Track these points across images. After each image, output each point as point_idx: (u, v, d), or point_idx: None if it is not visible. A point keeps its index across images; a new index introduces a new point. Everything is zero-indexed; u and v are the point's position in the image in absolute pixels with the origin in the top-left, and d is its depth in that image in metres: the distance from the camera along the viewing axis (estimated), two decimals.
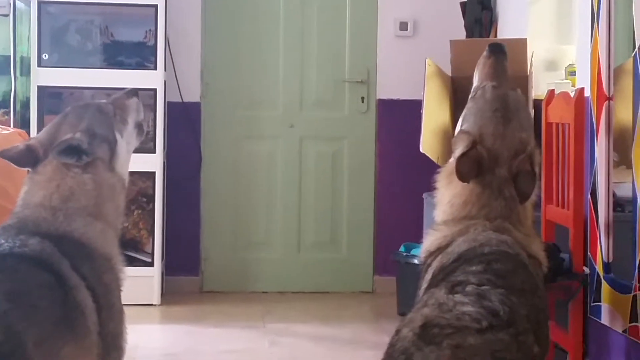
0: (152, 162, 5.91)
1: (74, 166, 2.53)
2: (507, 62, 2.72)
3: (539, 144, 4.62)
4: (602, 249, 4.16)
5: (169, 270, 6.33)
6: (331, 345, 5.20)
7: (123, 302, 2.56)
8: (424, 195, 5.62)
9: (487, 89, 2.62)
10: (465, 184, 2.46)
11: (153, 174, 5.93)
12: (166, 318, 5.78)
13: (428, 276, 2.37)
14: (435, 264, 2.37)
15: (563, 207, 4.07)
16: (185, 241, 6.43)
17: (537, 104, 4.95)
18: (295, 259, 6.56)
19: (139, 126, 2.80)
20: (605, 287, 4.13)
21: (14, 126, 5.77)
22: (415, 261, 5.66)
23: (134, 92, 2.84)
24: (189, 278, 6.43)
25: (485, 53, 2.76)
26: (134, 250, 5.98)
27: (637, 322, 3.83)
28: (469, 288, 2.03)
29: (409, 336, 1.90)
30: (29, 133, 5.77)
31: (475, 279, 2.08)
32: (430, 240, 2.49)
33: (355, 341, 5.30)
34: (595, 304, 4.20)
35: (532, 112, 5.17)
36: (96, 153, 2.57)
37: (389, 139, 6.54)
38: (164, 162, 6.07)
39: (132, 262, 5.81)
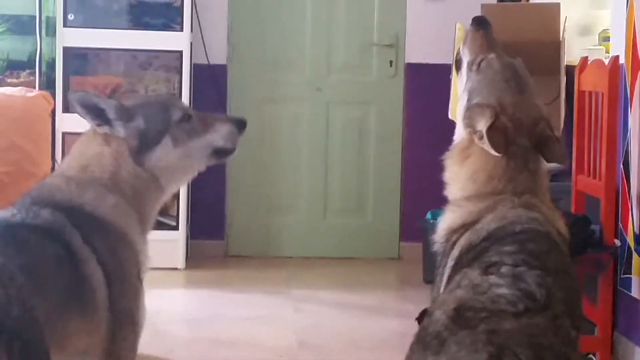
0: None
1: (100, 137, 2.46)
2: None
3: (571, 112, 4.54)
4: (634, 221, 4.07)
5: (193, 234, 6.30)
6: (356, 312, 5.15)
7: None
8: None
9: (491, 60, 2.53)
10: (487, 158, 2.38)
11: None
12: (190, 282, 5.75)
13: (455, 253, 2.28)
14: (462, 241, 2.28)
15: (594, 177, 3.98)
16: (210, 205, 6.38)
17: (570, 70, 4.85)
18: (320, 224, 6.51)
19: (215, 152, 2.58)
20: (636, 259, 4.04)
21: (40, 87, 5.73)
22: None
23: (238, 123, 2.63)
24: (214, 242, 6.40)
25: (471, 27, 2.68)
26: (159, 214, 5.91)
27: None
28: (503, 269, 1.95)
29: (442, 319, 1.83)
30: (54, 94, 5.73)
31: (510, 259, 1.99)
32: (452, 217, 2.40)
33: (380, 309, 5.25)
34: (625, 276, 4.12)
35: (564, 78, 5.07)
36: (122, 133, 2.45)
37: (417, 104, 6.44)
38: None
39: (157, 225, 5.75)
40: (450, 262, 2.30)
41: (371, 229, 6.51)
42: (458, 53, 2.71)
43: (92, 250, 2.31)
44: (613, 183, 3.88)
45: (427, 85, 6.32)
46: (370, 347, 4.53)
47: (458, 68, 2.69)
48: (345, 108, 6.49)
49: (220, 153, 2.60)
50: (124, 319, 2.36)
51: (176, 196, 5.89)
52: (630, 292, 4.09)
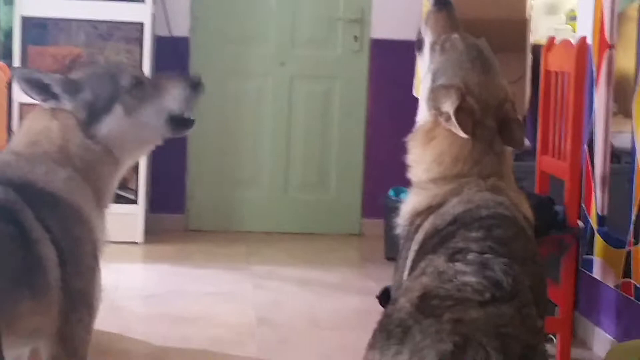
0: None
1: (48, 112, 2.38)
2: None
3: (536, 91, 4.51)
4: (597, 202, 4.07)
5: (153, 208, 6.22)
6: (317, 289, 5.12)
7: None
8: None
9: (455, 40, 2.48)
10: (453, 140, 2.34)
11: None
12: (149, 257, 5.68)
13: (419, 236, 2.24)
14: (427, 225, 2.24)
15: (559, 158, 3.95)
16: (171, 179, 6.31)
17: (536, 49, 4.82)
18: (282, 199, 6.46)
19: (172, 119, 2.45)
20: (598, 240, 4.04)
21: None
22: None
23: (193, 83, 2.48)
24: (174, 216, 6.33)
25: (433, 7, 2.63)
26: (117, 187, 5.83)
27: (630, 277, 3.74)
28: (470, 256, 1.90)
29: (406, 307, 1.78)
30: (10, 65, 5.62)
31: (477, 246, 1.95)
32: (417, 199, 2.35)
33: (342, 286, 5.21)
34: (587, 257, 4.11)
35: (529, 57, 5.04)
36: (68, 106, 2.36)
37: (382, 80, 6.39)
38: None
39: (116, 199, 5.67)
40: (414, 246, 2.26)
41: (333, 205, 6.47)
42: (419, 33, 2.65)
43: (46, 229, 2.24)
44: (578, 164, 3.86)
45: (392, 61, 6.26)
46: (331, 325, 4.50)
47: (420, 48, 2.64)
48: (309, 83, 6.43)
49: (178, 122, 2.47)
50: (79, 300, 2.29)
51: (135, 169, 5.81)
52: (592, 273, 4.08)
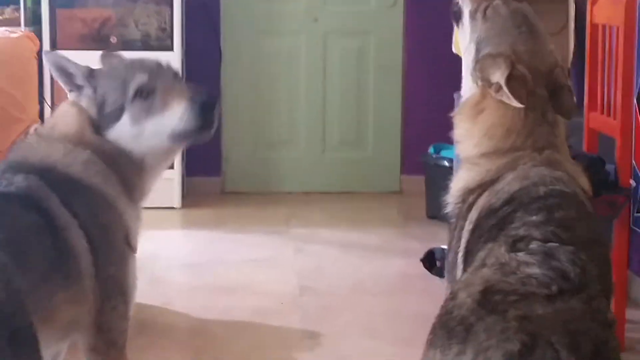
0: (170, 61, 5.63)
1: (72, 101, 2.31)
2: None
3: (580, 44, 4.34)
4: None
5: (189, 171, 6.13)
6: (358, 252, 5.02)
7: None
8: (455, 95, 5.34)
9: (497, 6, 2.34)
10: (504, 111, 2.21)
11: None
12: (187, 222, 5.61)
13: (473, 215, 2.12)
14: (481, 203, 2.12)
15: (609, 115, 3.79)
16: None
17: (579, 1, 4.64)
18: (319, 159, 6.34)
19: (177, 135, 2.27)
20: None
21: (25, 23, 5.50)
22: (445, 163, 5.45)
23: (202, 102, 2.24)
24: (210, 179, 6.24)
25: None
26: None
27: None
28: (533, 245, 1.78)
29: (467, 303, 1.66)
30: (40, 31, 5.52)
31: (539, 232, 1.82)
32: (469, 176, 2.22)
33: (384, 248, 5.11)
34: (638, 214, 3.97)
35: (572, 7, 4.85)
36: (84, 102, 2.28)
37: (418, 35, 6.22)
38: (182, 60, 5.81)
39: None
40: (468, 225, 2.14)
41: (371, 163, 6.35)
42: (456, 3, 2.51)
43: (73, 215, 2.15)
44: (629, 121, 3.70)
45: (428, 15, 6.08)
46: (375, 291, 4.40)
47: (457, 19, 2.49)
48: (343, 39, 6.28)
49: (186, 136, 2.29)
50: (112, 288, 2.21)
51: None
52: None
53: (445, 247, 4.63)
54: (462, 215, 2.19)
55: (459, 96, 5.36)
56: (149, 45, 5.72)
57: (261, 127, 6.28)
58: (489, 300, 1.64)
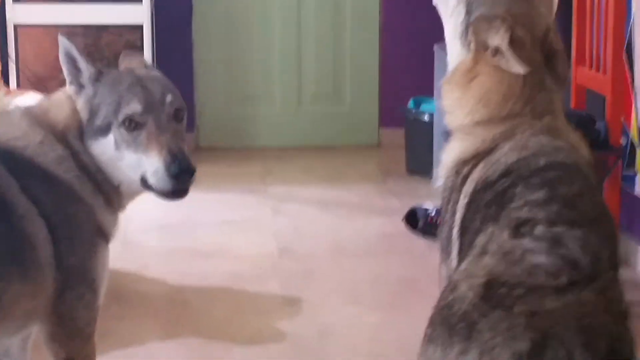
0: (139, 13, 5.44)
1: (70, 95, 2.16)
2: None
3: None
4: (638, 114, 3.77)
5: None
6: (338, 211, 4.88)
7: None
8: (435, 47, 5.19)
9: None
10: (501, 76, 2.06)
11: (140, 27, 5.46)
12: None
13: (468, 188, 1.97)
14: (476, 175, 1.97)
15: (598, 70, 3.64)
16: None
17: None
18: (296, 113, 6.17)
19: (145, 181, 2.11)
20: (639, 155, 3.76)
21: None
22: (425, 117, 5.31)
23: (175, 168, 2.07)
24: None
25: None
26: None
27: None
28: (538, 230, 1.64)
29: (469, 296, 1.52)
30: None
31: (543, 213, 1.68)
32: (461, 146, 2.07)
33: (364, 205, 4.97)
34: (627, 173, 3.85)
35: None
36: (79, 103, 2.14)
37: None
38: (151, 13, 5.59)
39: None
40: (463, 199, 1.99)
41: (349, 116, 6.19)
42: None
43: (33, 202, 2.01)
44: (620, 77, 3.54)
45: None
46: (356, 252, 4.27)
47: None
48: None
49: (154, 190, 2.12)
50: (76, 277, 2.07)
51: None
52: (634, 191, 3.83)
53: (427, 205, 4.51)
54: (456, 188, 2.05)
55: (440, 49, 5.21)
56: None
57: (235, 81, 6.10)
58: (493, 293, 1.50)
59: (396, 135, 5.85)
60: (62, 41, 2.14)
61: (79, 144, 2.13)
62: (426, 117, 5.31)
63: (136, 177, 2.11)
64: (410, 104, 5.52)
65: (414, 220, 4.46)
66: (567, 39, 4.12)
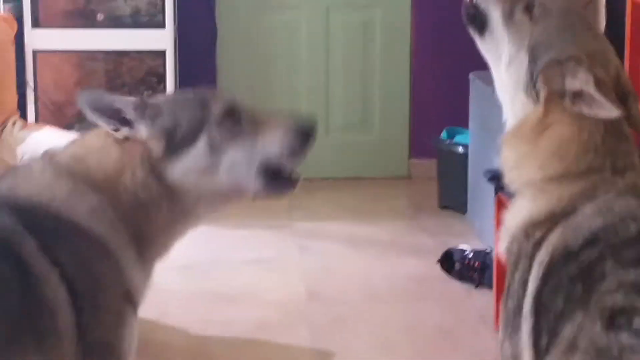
0: (162, 38, 5.24)
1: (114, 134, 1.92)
2: None
3: (616, 22, 3.93)
4: None
5: None
6: (368, 249, 4.64)
7: None
8: (470, 76, 4.95)
9: (544, 3, 1.93)
10: (579, 125, 1.82)
11: (163, 52, 5.26)
12: None
13: (543, 256, 1.72)
14: (553, 240, 1.72)
15: None
16: None
17: None
18: (323, 142, 5.91)
19: (267, 169, 1.94)
20: None
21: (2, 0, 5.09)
22: (460, 149, 5.07)
23: (302, 129, 1.98)
24: None
25: None
26: None
27: None
28: (637, 322, 1.41)
29: None
30: (20, 7, 5.10)
31: None
32: (533, 205, 1.81)
33: (395, 244, 4.74)
34: None
35: None
36: (144, 133, 1.90)
37: (427, 6, 5.79)
38: (175, 38, 5.38)
39: None
40: (538, 268, 1.73)
41: (378, 146, 5.95)
42: (473, 6, 2.06)
43: (53, 262, 1.77)
44: None
45: None
46: (388, 297, 4.04)
47: (481, 27, 2.05)
48: (347, 12, 5.85)
49: (273, 176, 1.95)
50: (99, 353, 1.82)
51: None
52: None
53: (464, 247, 4.27)
54: (527, 254, 1.79)
55: (476, 78, 4.95)
56: (139, 22, 5.30)
57: (260, 107, 5.86)
58: None
59: (427, 167, 5.62)
60: (83, 98, 1.91)
61: (136, 186, 1.89)
62: (460, 149, 5.06)
63: (251, 172, 1.92)
64: (444, 135, 5.28)
65: (450, 262, 4.21)
66: None
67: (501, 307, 1.87)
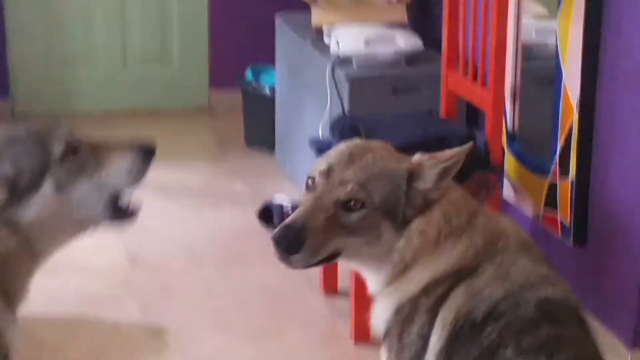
0: None
1: None
2: None
3: None
4: (508, 118, 3.64)
5: None
6: (181, 200, 4.62)
7: None
8: (276, 17, 4.91)
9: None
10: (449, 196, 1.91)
11: None
12: None
13: (447, 315, 1.76)
14: (458, 301, 1.77)
15: (474, 79, 3.43)
16: None
17: None
18: (120, 75, 5.76)
19: (113, 199, 1.92)
20: (509, 159, 3.64)
21: None
22: (267, 92, 5.06)
23: (143, 151, 1.96)
24: None
25: None
26: None
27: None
28: None
29: None
30: None
31: None
32: (438, 262, 1.84)
33: (207, 192, 4.73)
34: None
35: None
36: None
37: None
38: None
39: None
40: (442, 329, 1.78)
41: (178, 77, 5.84)
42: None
43: None
44: (501, 92, 3.35)
45: None
46: (210, 256, 4.03)
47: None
48: None
49: (119, 208, 1.93)
50: None
51: None
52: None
53: (281, 199, 4.28)
54: (427, 310, 1.83)
55: (283, 21, 4.90)
56: None
57: (53, 41, 5.61)
58: None
59: (227, 98, 5.59)
60: None
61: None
62: (267, 92, 5.04)
63: (99, 205, 1.89)
64: (248, 73, 5.22)
65: (269, 216, 4.22)
66: (437, 32, 3.92)
67: (390, 354, 1.90)
